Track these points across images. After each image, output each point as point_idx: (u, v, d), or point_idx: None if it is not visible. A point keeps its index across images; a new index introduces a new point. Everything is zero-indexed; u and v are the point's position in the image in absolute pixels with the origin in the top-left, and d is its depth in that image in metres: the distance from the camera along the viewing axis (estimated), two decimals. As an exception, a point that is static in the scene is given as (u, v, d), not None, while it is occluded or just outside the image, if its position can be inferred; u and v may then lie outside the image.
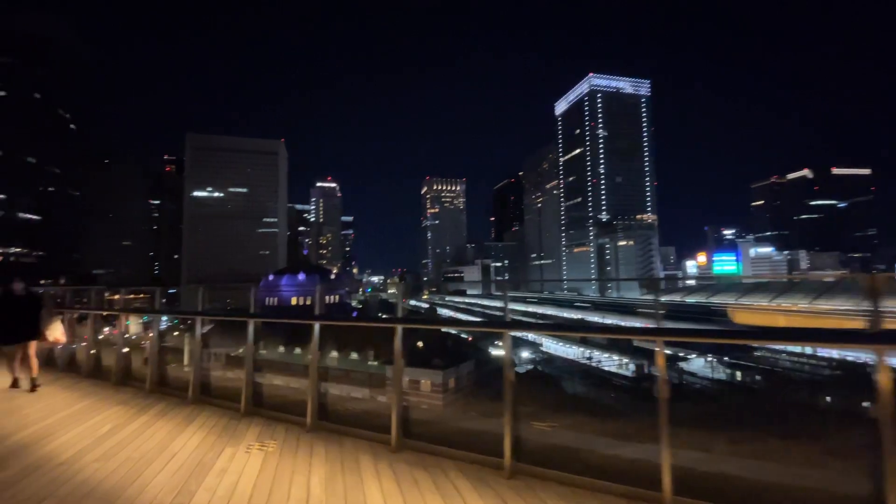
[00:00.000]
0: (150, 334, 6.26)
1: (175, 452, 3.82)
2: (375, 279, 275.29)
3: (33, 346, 6.22)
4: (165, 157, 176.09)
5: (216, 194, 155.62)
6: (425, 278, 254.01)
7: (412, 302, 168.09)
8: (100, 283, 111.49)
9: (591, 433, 4.13)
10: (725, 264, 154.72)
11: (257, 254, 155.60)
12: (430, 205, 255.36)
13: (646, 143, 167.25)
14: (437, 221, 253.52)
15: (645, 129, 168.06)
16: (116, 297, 7.58)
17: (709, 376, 39.94)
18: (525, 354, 56.05)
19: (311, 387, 4.50)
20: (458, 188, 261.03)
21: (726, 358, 39.82)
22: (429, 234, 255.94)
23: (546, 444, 3.72)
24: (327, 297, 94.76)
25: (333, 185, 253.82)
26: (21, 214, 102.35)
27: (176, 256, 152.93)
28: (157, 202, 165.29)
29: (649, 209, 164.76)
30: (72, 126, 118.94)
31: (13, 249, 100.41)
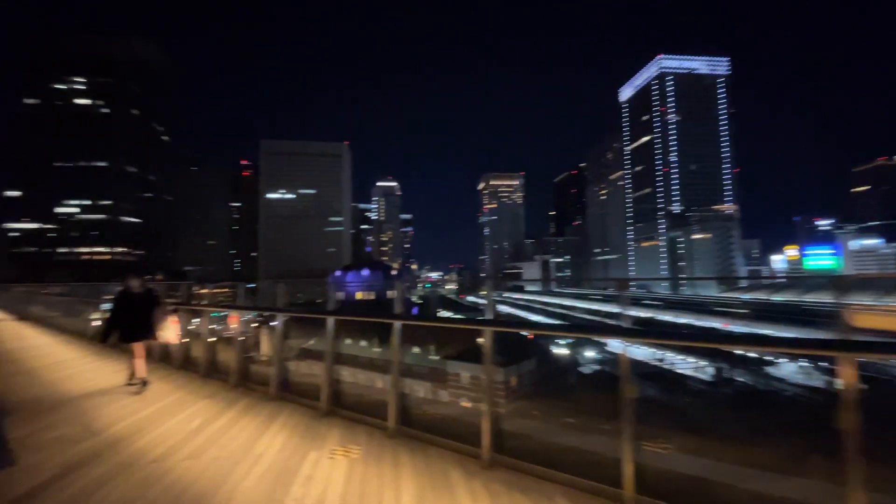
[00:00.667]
0: (233, 327, 6.39)
1: (260, 454, 3.71)
2: (434, 275, 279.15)
3: (146, 346, 6.11)
4: (243, 162, 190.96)
5: (288, 196, 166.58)
6: (482, 274, 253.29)
7: (470, 298, 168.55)
8: (189, 278, 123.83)
9: (715, 459, 3.42)
10: (821, 258, 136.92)
11: (325, 251, 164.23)
12: (488, 200, 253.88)
13: (724, 127, 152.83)
14: (494, 217, 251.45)
15: (723, 111, 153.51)
16: (203, 290, 8.04)
17: (802, 383, 35.66)
18: (589, 354, 53.61)
19: (392, 389, 4.23)
20: (516, 183, 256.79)
21: (823, 363, 35.22)
22: (486, 230, 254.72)
23: (666, 472, 3.11)
24: (388, 293, 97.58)
25: (394, 183, 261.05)
26: (124, 218, 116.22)
27: (253, 254, 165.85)
28: (237, 204, 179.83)
29: (729, 199, 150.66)
30: (164, 138, 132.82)
31: (118, 249, 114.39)
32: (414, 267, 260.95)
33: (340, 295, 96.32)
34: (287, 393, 5.42)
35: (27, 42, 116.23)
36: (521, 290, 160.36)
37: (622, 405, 3.07)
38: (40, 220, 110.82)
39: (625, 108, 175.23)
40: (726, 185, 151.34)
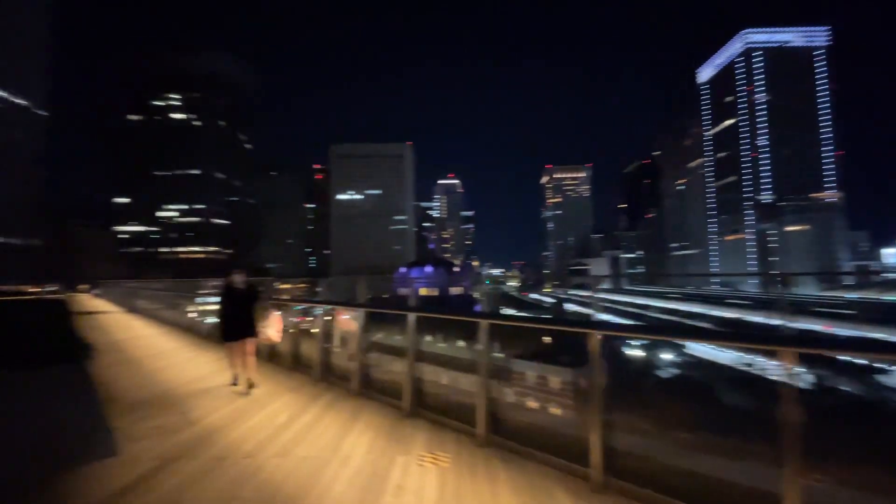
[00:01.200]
0: (314, 320, 6.44)
1: (348, 455, 3.55)
2: (495, 272, 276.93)
3: (252, 344, 5.68)
4: (316, 166, 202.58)
5: (355, 196, 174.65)
6: (546, 271, 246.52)
7: (532, 295, 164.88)
8: (271, 274, 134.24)
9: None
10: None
11: (390, 249, 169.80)
12: (551, 194, 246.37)
13: (824, 105, 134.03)
14: (559, 211, 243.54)
15: (822, 87, 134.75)
16: (284, 286, 8.40)
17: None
18: (666, 357, 49.81)
19: (482, 392, 3.89)
20: (582, 175, 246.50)
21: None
22: (550, 225, 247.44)
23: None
24: (451, 289, 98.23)
25: (455, 181, 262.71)
26: (215, 220, 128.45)
27: (326, 251, 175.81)
28: (311, 206, 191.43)
29: (831, 185, 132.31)
30: (247, 146, 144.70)
31: (210, 248, 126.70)
32: (475, 264, 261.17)
33: (405, 291, 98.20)
34: (369, 390, 5.32)
35: (129, 64, 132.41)
36: (587, 287, 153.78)
37: (781, 431, 2.45)
38: (145, 223, 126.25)
39: (704, 89, 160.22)
40: (827, 170, 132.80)
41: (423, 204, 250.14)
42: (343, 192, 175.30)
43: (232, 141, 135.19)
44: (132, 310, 19.99)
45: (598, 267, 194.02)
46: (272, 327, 5.87)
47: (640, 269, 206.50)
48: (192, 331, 12.28)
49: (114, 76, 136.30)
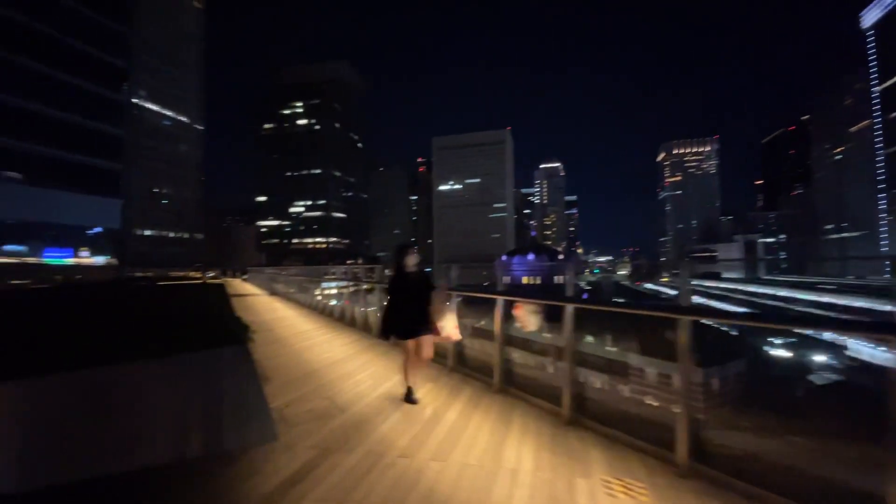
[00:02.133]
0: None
1: (514, 469, 3.01)
2: (602, 259, 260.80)
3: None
4: (419, 159, 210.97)
5: (456, 186, 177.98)
6: (662, 258, 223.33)
7: (647, 285, 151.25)
8: (381, 262, 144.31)
9: None
10: None
11: (490, 237, 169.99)
12: (670, 173, 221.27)
13: None
14: (678, 192, 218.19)
15: None
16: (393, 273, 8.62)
17: None
18: (819, 359, 41.15)
19: (683, 412, 3.03)
20: (708, 149, 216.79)
21: None
22: (667, 208, 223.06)
23: None
24: (555, 278, 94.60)
25: (557, 164, 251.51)
26: (335, 214, 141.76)
27: (429, 241, 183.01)
28: (415, 197, 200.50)
29: None
30: (359, 145, 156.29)
31: (332, 239, 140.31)
32: (580, 251, 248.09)
33: (506, 279, 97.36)
34: (511, 387, 4.78)
35: (262, 80, 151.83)
36: (716, 276, 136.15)
37: None
38: (279, 218, 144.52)
39: (870, 36, 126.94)
40: None
41: (524, 190, 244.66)
42: (444, 182, 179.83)
43: (346, 141, 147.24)
44: (272, 293, 22.60)
45: (729, 253, 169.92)
46: (450, 322, 4.66)
47: (782, 256, 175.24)
48: (322, 312, 13.19)
49: (250, 92, 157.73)
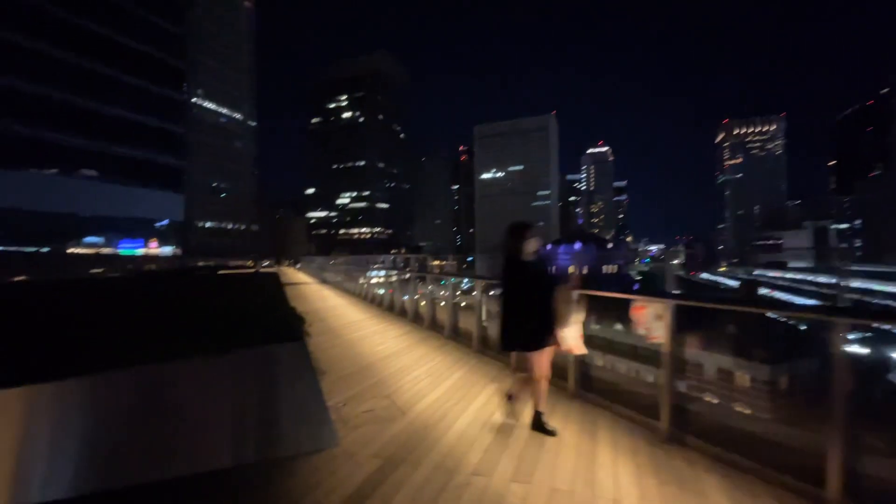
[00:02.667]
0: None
1: (615, 500, 2.51)
2: (653, 248, 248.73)
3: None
4: (461, 148, 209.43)
5: (498, 174, 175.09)
6: (720, 247, 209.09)
7: (704, 275, 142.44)
8: (423, 252, 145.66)
9: None
10: None
11: (533, 226, 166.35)
12: (730, 155, 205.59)
13: None
14: (739, 175, 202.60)
15: None
16: (435, 262, 8.14)
17: None
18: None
19: (837, 440, 2.39)
20: (774, 127, 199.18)
21: None
22: (726, 193, 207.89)
23: None
24: (604, 268, 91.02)
25: (605, 149, 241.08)
26: (378, 205, 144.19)
27: (471, 230, 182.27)
28: (456, 186, 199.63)
29: None
30: (401, 135, 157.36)
31: (376, 229, 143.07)
32: (628, 239, 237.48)
33: (552, 270, 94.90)
34: (586, 392, 4.25)
35: (308, 75, 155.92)
36: (782, 266, 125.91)
37: None
38: (327, 209, 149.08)
39: None
40: None
41: (570, 177, 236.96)
42: (486, 171, 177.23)
43: (389, 132, 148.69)
44: (323, 281, 23.09)
45: (797, 240, 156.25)
46: (574, 329, 3.43)
47: (858, 244, 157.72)
48: (371, 301, 13.12)
49: (298, 87, 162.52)
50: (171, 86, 43.80)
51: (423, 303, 9.01)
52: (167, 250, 46.86)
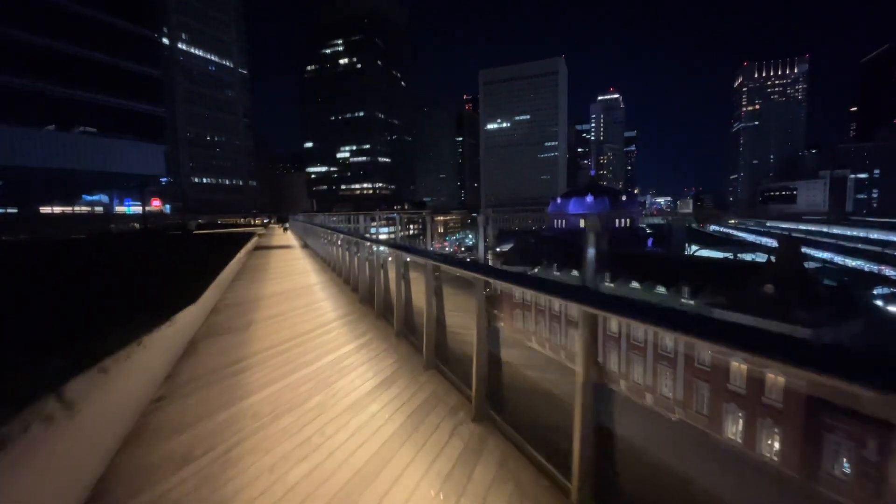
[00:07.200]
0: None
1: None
2: (661, 200, 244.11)
3: None
4: (465, 97, 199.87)
5: (504, 125, 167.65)
6: (731, 199, 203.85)
7: (713, 227, 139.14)
8: (427, 208, 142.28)
9: None
10: None
11: (539, 178, 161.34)
12: (747, 101, 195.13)
13: None
14: (756, 122, 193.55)
15: None
16: (439, 218, 5.78)
17: None
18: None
19: None
20: (796, 71, 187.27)
21: None
22: (741, 141, 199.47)
23: None
24: (616, 221, 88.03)
25: (615, 96, 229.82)
26: (380, 159, 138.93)
27: (476, 185, 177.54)
28: (461, 139, 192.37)
29: None
30: (402, 83, 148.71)
31: (378, 185, 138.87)
32: (636, 192, 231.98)
33: (561, 223, 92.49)
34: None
35: (303, 18, 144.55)
36: (797, 219, 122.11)
37: None
38: (327, 164, 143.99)
39: None
40: None
41: (578, 126, 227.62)
42: (492, 121, 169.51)
43: (389, 80, 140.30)
44: (305, 245, 20.44)
45: (811, 192, 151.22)
46: None
47: (874, 195, 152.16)
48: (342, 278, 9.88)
49: (292, 32, 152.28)
50: (144, 23, 39.15)
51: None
52: (169, 208, 45.13)
